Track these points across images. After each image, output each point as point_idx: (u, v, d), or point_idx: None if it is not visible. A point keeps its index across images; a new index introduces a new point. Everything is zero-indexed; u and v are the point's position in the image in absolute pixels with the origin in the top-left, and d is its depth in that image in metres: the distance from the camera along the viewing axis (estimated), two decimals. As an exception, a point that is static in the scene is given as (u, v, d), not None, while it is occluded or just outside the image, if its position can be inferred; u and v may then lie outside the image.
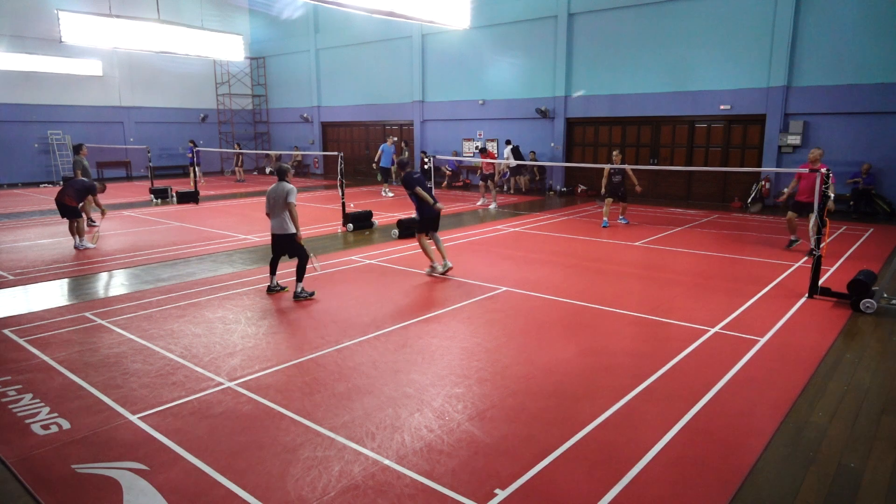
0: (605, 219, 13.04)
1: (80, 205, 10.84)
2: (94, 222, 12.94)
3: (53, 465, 3.79)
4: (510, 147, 19.25)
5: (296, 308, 7.07)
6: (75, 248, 10.71)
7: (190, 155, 20.95)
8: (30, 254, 10.36)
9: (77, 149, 12.70)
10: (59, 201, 10.53)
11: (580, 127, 19.82)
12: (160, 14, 15.98)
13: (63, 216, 10.70)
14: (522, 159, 19.18)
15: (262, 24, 29.12)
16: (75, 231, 10.76)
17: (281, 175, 7.38)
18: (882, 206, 14.32)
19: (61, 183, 11.35)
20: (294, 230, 7.31)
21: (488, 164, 16.81)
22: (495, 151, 19.43)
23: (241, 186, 22.77)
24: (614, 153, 13.06)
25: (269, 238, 7.65)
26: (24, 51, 21.31)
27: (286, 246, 7.40)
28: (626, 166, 12.66)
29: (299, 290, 7.36)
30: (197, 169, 20.00)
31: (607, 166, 12.63)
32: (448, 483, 3.53)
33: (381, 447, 3.94)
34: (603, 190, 12.89)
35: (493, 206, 16.27)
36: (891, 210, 14.26)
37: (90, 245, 10.88)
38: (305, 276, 7.57)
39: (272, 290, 7.62)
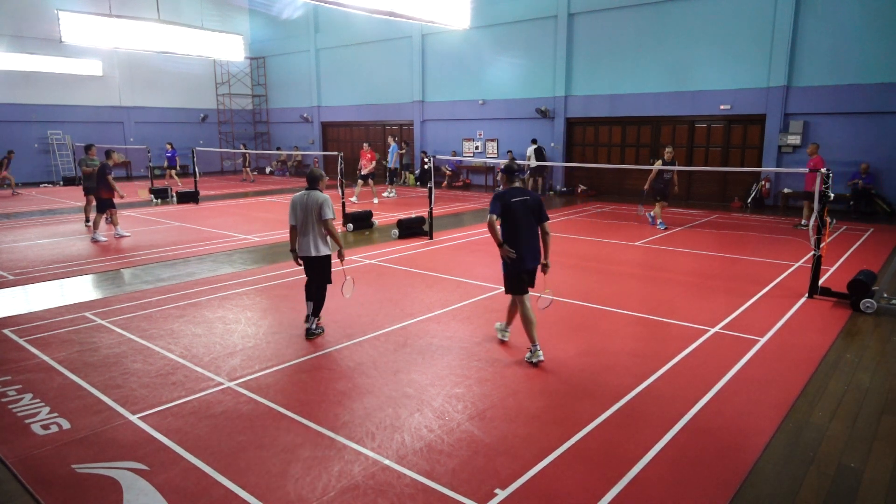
0: (660, 221, 12.69)
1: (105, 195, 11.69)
2: (88, 222, 13.01)
3: (53, 465, 3.78)
4: (534, 147, 19.13)
5: (295, 308, 7.06)
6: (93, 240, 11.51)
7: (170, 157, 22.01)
8: (30, 254, 10.36)
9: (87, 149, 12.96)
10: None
11: (580, 127, 19.81)
12: (160, 14, 15.95)
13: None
14: (545, 160, 19.09)
15: (262, 24, 29.11)
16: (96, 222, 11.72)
17: (313, 182, 6.00)
18: (882, 206, 14.31)
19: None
20: (328, 251, 6.07)
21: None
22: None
23: (243, 186, 22.79)
24: (667, 149, 12.18)
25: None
26: (24, 51, 21.31)
27: (319, 270, 6.08)
28: (672, 168, 11.92)
29: (313, 325, 6.12)
30: (172, 172, 21.81)
31: (657, 165, 11.94)
32: (448, 483, 3.54)
33: (381, 447, 3.94)
34: (647, 186, 12.23)
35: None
36: (891, 210, 14.26)
37: (102, 238, 11.56)
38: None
39: (312, 335, 6.10)
